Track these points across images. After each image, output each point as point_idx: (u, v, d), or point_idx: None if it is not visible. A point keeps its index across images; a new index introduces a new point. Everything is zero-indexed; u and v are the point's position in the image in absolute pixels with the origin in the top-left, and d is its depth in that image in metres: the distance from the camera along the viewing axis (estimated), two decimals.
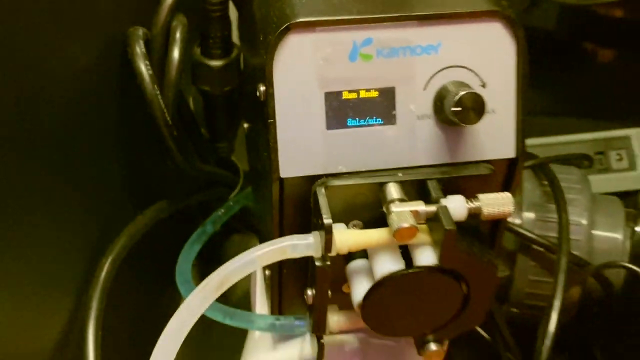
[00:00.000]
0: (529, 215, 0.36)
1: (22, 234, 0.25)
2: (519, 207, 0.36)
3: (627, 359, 0.38)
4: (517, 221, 0.36)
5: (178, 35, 0.32)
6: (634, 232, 0.36)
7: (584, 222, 0.35)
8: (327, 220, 0.24)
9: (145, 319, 0.35)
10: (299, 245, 0.25)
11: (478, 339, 0.38)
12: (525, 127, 0.27)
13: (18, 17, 0.23)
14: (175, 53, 0.31)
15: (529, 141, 0.38)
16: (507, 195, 0.25)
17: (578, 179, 0.37)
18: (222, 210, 0.37)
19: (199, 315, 0.25)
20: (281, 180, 0.25)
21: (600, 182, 0.46)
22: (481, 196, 0.25)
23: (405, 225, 0.24)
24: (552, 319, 0.30)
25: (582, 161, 0.40)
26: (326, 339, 0.28)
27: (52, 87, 0.26)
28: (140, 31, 0.31)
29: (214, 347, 0.34)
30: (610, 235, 0.36)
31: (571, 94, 0.55)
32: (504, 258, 0.36)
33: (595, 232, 0.36)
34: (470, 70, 0.25)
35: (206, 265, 0.35)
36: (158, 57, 0.31)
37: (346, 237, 0.25)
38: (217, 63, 0.34)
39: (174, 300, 0.33)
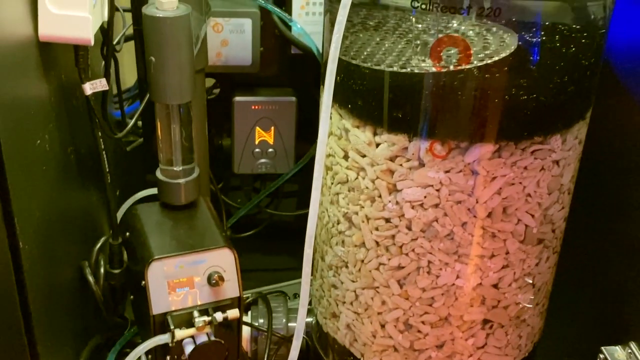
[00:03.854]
0: None
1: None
2: None
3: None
4: None
5: (102, 263, 0.75)
6: None
7: None
8: (172, 328, 0.67)
9: None
10: (163, 338, 0.68)
11: None
12: None
13: None
14: (101, 270, 0.75)
15: None
16: None
17: None
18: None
19: None
20: (153, 316, 0.68)
21: None
22: None
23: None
24: None
25: None
26: None
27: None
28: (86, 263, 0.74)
29: None
30: None
31: None
32: None
33: None
34: (219, 266, 0.71)
35: None
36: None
37: (180, 334, 0.68)
38: (117, 271, 0.78)
39: None
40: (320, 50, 0.84)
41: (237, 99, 0.90)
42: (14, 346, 0.56)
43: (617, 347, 0.71)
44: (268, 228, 1.04)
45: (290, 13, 0.85)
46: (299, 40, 0.86)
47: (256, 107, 0.90)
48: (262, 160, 0.94)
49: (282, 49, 0.89)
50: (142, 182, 0.98)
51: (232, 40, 0.85)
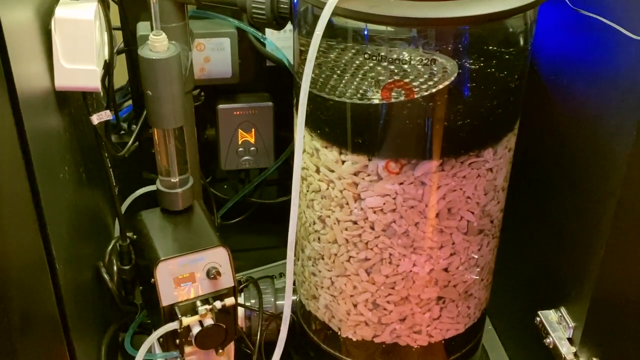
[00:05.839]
0: None
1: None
2: None
3: None
4: None
5: (114, 262, 0.88)
6: None
7: None
8: (180, 316, 0.81)
9: None
10: (172, 325, 0.81)
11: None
12: None
13: None
14: (114, 267, 0.88)
15: None
16: None
17: None
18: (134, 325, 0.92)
19: (144, 352, 0.81)
20: (163, 307, 0.82)
21: None
22: None
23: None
24: None
25: None
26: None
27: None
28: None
29: None
30: None
31: None
32: None
33: None
34: (215, 262, 0.84)
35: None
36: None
37: (186, 320, 0.81)
38: (127, 267, 0.90)
39: None
40: (291, 62, 0.95)
41: (221, 106, 1.01)
42: (53, 336, 0.69)
43: (550, 311, 0.85)
44: (253, 213, 1.16)
45: (263, 32, 0.96)
46: (272, 54, 0.97)
47: (238, 112, 1.02)
48: (246, 158, 1.06)
49: (258, 62, 1.00)
50: (138, 178, 1.10)
51: (214, 57, 0.96)
